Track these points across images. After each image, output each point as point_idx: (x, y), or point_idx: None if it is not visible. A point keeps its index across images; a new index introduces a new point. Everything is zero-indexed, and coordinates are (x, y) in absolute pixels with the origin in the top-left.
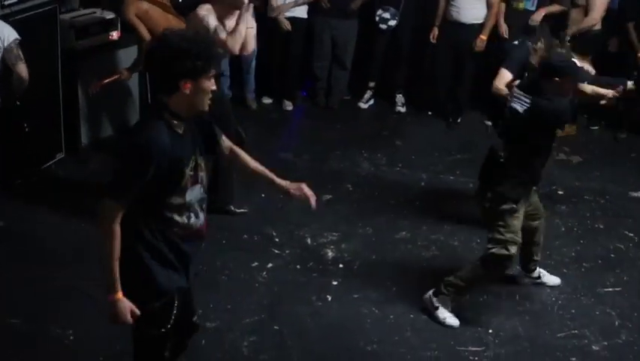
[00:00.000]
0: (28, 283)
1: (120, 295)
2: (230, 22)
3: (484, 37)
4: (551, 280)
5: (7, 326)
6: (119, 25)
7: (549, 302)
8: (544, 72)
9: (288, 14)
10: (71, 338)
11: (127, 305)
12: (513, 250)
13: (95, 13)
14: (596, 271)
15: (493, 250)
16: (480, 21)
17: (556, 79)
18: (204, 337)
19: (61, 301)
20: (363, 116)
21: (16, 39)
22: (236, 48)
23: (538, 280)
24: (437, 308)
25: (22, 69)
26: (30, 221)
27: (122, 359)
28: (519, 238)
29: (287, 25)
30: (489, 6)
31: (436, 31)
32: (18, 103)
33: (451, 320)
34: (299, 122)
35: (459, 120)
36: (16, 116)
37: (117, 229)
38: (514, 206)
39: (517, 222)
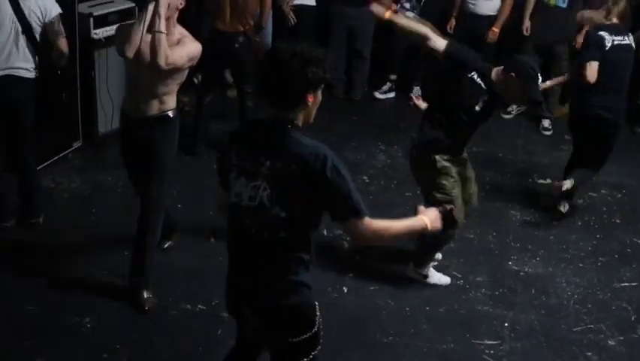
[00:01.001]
0: (45, 271)
1: (424, 217)
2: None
3: (496, 29)
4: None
5: (24, 312)
6: (136, 14)
7: (565, 296)
8: (509, 63)
9: (296, 2)
10: (88, 325)
11: (434, 213)
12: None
13: (113, 2)
14: (613, 266)
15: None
16: (494, 13)
17: (512, 75)
18: (220, 327)
19: (78, 289)
20: (379, 107)
21: (59, 13)
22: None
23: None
24: (426, 276)
25: (63, 44)
26: (46, 209)
27: (138, 346)
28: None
29: (292, 18)
30: None
31: (453, 22)
32: (59, 72)
33: (444, 278)
34: None
35: None
36: (54, 86)
37: (375, 224)
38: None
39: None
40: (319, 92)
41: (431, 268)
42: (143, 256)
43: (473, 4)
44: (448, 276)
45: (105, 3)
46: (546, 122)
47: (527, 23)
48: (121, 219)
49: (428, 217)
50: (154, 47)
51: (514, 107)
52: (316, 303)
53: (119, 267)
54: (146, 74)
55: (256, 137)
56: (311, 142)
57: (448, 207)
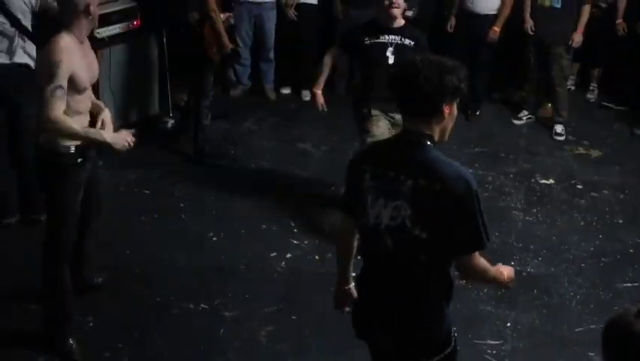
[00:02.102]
0: None
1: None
2: None
3: (497, 28)
4: None
5: (27, 311)
6: (139, 13)
7: (567, 296)
8: None
9: (298, 0)
10: (91, 324)
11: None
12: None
13: (116, 1)
14: (615, 266)
15: None
16: (494, 12)
17: None
18: (222, 326)
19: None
20: None
21: None
22: None
23: None
24: None
25: None
26: None
27: (141, 346)
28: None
29: (293, 14)
30: None
31: (453, 20)
32: None
33: None
34: None
35: (478, 113)
36: None
37: (482, 262)
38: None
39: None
40: (455, 105)
41: None
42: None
43: (471, 2)
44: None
45: (108, 2)
46: (559, 128)
47: (530, 22)
48: (120, 218)
49: (507, 272)
50: None
51: (525, 112)
52: (454, 328)
53: (120, 265)
54: None
55: (392, 155)
56: (452, 162)
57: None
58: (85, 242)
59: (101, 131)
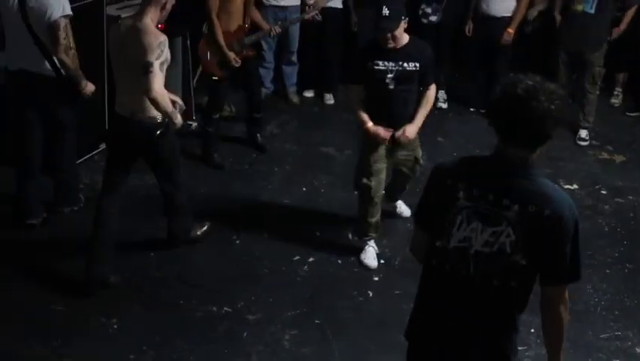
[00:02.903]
0: (71, 272)
1: None
2: None
3: (511, 30)
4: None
5: (52, 313)
6: None
7: (592, 303)
8: None
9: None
10: (115, 326)
11: None
12: (371, 180)
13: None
14: None
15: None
16: (509, 14)
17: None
18: (246, 329)
19: (103, 290)
20: None
21: (62, 16)
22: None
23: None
24: (361, 250)
25: (60, 52)
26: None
27: (165, 348)
28: (374, 171)
29: (317, 17)
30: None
31: (470, 24)
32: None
33: (372, 262)
34: None
35: None
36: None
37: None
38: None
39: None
40: None
41: (369, 247)
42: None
43: (487, 5)
44: None
45: (134, 5)
46: (583, 133)
47: (558, 17)
48: (144, 222)
49: None
50: None
51: None
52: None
53: (143, 268)
54: None
55: (493, 177)
56: (557, 187)
57: None
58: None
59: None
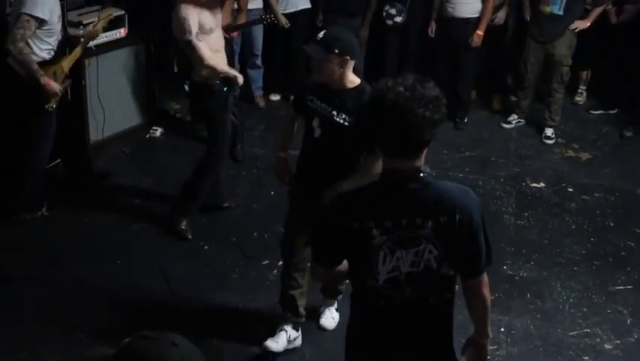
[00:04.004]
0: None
1: None
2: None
3: (480, 32)
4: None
5: (20, 323)
6: (126, 22)
7: (560, 301)
8: None
9: (292, 9)
10: (82, 336)
11: None
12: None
13: (100, 10)
14: (607, 269)
15: None
16: (475, 15)
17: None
18: (215, 334)
19: (73, 299)
20: None
21: (24, 13)
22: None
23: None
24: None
25: (12, 52)
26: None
27: None
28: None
29: (285, 23)
30: (484, 0)
31: (433, 25)
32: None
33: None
34: None
35: (466, 120)
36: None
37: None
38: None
39: None
40: None
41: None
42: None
43: (452, 7)
44: None
45: (95, 11)
46: (549, 131)
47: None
48: (114, 227)
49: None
50: None
51: (515, 116)
52: None
53: (115, 274)
54: None
55: (397, 202)
56: (452, 183)
57: None
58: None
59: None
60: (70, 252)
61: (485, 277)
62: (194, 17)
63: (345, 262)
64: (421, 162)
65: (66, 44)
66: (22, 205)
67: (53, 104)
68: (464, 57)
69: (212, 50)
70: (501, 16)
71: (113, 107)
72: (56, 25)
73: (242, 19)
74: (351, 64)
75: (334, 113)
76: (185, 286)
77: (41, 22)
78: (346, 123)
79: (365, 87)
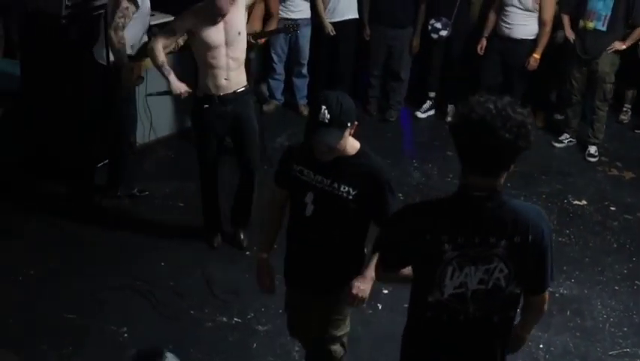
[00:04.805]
0: (83, 280)
1: None
2: None
3: (537, 55)
4: None
5: (64, 320)
6: None
7: (601, 319)
8: None
9: (338, 19)
10: (125, 335)
11: None
12: None
13: (153, 15)
14: None
15: None
16: (531, 37)
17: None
18: (256, 340)
19: (115, 299)
20: (415, 125)
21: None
22: None
23: None
24: None
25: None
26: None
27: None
28: None
29: (331, 30)
30: (542, 24)
31: (484, 42)
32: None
33: None
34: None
35: None
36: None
37: None
38: None
39: None
40: None
41: None
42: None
43: (509, 28)
44: None
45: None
46: (592, 149)
47: (572, 35)
48: (155, 231)
49: None
50: None
51: (567, 135)
52: None
53: (154, 277)
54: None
55: (472, 220)
56: (527, 204)
57: None
58: None
59: (172, 73)
60: (112, 252)
61: (547, 294)
62: (185, 24)
63: (409, 268)
64: (499, 183)
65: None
66: (121, 184)
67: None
68: (516, 76)
69: (213, 66)
70: (561, 35)
71: (159, 111)
72: (146, 18)
73: (273, 25)
74: None
75: (335, 185)
76: (225, 290)
77: (137, 8)
78: (350, 197)
79: (366, 152)
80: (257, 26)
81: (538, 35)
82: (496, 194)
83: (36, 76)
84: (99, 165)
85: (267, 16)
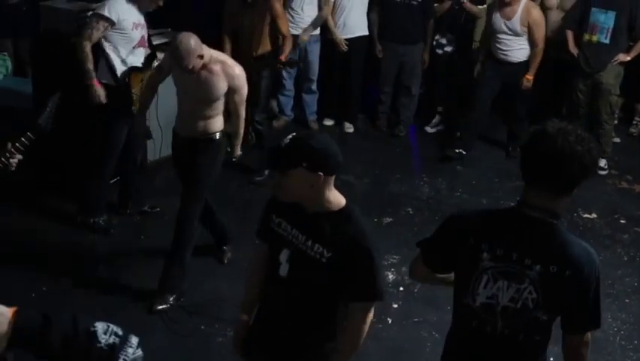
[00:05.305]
0: (93, 293)
1: None
2: None
3: (530, 77)
4: None
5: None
6: None
7: (611, 332)
8: None
9: (349, 35)
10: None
11: None
12: None
13: (163, 33)
14: None
15: None
16: (525, 58)
17: None
18: None
19: (125, 311)
20: (424, 140)
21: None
22: None
23: None
24: None
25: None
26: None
27: None
28: None
29: (344, 46)
30: (533, 45)
31: (479, 66)
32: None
33: None
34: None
35: (518, 150)
36: None
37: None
38: None
39: None
40: None
41: None
42: (169, 267)
43: (505, 54)
44: None
45: (156, 34)
46: (602, 162)
47: (576, 50)
48: (168, 246)
49: None
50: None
51: None
52: None
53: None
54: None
55: (515, 235)
56: (581, 242)
57: None
58: None
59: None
60: (123, 268)
61: (587, 338)
62: (165, 61)
63: (451, 275)
64: (557, 205)
65: (154, 58)
66: (130, 200)
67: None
68: (517, 94)
69: (181, 105)
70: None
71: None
72: (131, 33)
73: (287, 46)
74: (329, 181)
75: (309, 243)
76: (236, 304)
77: (110, 24)
78: (323, 259)
79: (352, 212)
80: (268, 47)
81: (531, 56)
82: (554, 220)
83: (47, 94)
84: (110, 182)
85: (278, 36)
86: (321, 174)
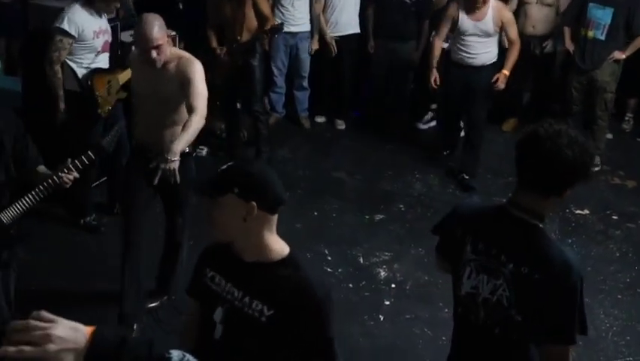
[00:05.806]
0: (83, 296)
1: None
2: None
3: (507, 72)
4: None
5: None
6: (177, 44)
7: (603, 328)
8: None
9: (341, 33)
10: None
11: None
12: None
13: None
14: None
15: None
16: (491, 61)
17: None
18: None
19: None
20: (416, 137)
21: (56, 27)
22: None
23: None
24: None
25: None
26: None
27: None
28: None
29: (334, 49)
30: (510, 43)
31: (436, 74)
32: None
33: None
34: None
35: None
36: None
37: None
38: None
39: None
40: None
41: None
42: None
43: (471, 57)
44: None
45: None
46: (596, 159)
47: (572, 46)
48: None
49: None
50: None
51: None
52: None
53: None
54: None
55: (498, 232)
56: (561, 248)
57: None
58: None
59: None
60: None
61: (563, 353)
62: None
63: None
64: (544, 207)
65: (124, 59)
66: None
67: (104, 112)
68: (479, 100)
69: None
70: (551, 45)
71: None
72: (92, 42)
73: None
74: (268, 220)
75: (246, 300)
76: None
77: (73, 39)
78: (263, 318)
79: (298, 260)
80: (253, 26)
81: (507, 53)
82: (537, 222)
83: (36, 93)
84: (95, 183)
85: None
86: (255, 204)
